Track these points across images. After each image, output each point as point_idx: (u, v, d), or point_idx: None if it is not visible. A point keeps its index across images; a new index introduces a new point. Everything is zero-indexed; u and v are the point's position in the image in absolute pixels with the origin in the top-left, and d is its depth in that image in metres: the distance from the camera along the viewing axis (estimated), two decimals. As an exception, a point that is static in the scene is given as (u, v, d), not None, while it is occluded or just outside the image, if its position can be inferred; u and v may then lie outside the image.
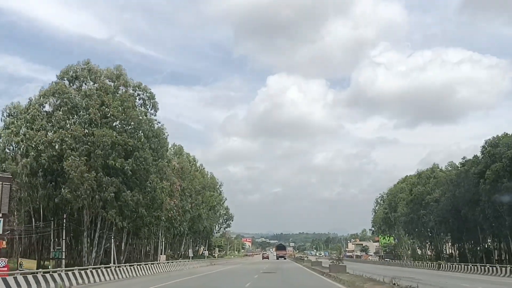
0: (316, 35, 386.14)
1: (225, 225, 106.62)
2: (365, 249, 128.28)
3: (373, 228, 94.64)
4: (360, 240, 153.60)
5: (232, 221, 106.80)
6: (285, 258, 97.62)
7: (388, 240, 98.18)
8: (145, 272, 37.86)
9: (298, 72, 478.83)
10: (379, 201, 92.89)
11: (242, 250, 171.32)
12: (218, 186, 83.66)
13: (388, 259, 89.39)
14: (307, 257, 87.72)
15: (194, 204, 68.56)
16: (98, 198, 39.34)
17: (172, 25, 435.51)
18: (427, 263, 59.45)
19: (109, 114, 40.83)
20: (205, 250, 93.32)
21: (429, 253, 77.21)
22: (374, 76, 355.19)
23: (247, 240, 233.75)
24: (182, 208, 63.43)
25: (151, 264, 42.86)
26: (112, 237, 39.97)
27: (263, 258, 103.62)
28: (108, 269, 30.95)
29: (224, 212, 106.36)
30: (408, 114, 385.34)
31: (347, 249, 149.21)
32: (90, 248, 41.95)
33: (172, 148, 73.70)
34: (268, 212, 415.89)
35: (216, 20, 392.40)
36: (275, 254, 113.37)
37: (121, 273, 32.55)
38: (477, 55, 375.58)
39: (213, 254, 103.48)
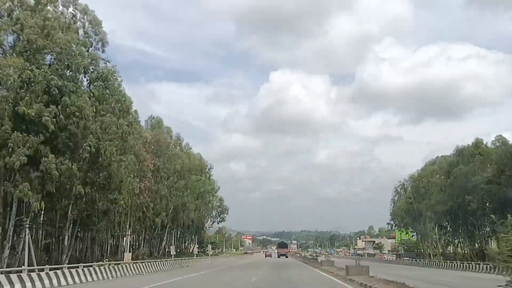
0: (320, 29, 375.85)
1: (219, 219, 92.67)
2: (379, 247, 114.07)
3: (392, 222, 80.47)
4: (369, 238, 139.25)
5: (227, 214, 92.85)
6: (287, 257, 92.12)
7: (409, 236, 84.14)
8: (76, 279, 23.82)
9: (302, 67, 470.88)
10: (399, 190, 78.74)
11: (241, 248, 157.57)
12: (207, 169, 69.21)
13: (409, 258, 75.60)
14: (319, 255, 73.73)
15: (173, 189, 54.66)
16: (2, 164, 25.48)
17: (173, 21, 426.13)
18: (468, 263, 44.53)
19: (22, 38, 26.77)
20: (195, 247, 79.62)
21: (463, 251, 63.01)
22: (378, 71, 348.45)
23: (247, 237, 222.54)
24: (157, 192, 49.53)
25: (100, 266, 28.81)
26: (27, 226, 25.86)
27: (266, 256, 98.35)
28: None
29: (218, 203, 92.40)
30: (412, 110, 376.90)
31: (356, 247, 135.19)
32: (3, 243, 28.08)
33: (148, 121, 59.78)
34: (270, 210, 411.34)
35: (218, 14, 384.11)
36: (276, 252, 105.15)
37: (32, 281, 18.73)
38: (483, 50, 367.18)
39: (206, 251, 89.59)
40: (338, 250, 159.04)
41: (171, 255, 54.80)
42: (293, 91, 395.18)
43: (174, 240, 69.08)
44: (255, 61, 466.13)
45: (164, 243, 62.54)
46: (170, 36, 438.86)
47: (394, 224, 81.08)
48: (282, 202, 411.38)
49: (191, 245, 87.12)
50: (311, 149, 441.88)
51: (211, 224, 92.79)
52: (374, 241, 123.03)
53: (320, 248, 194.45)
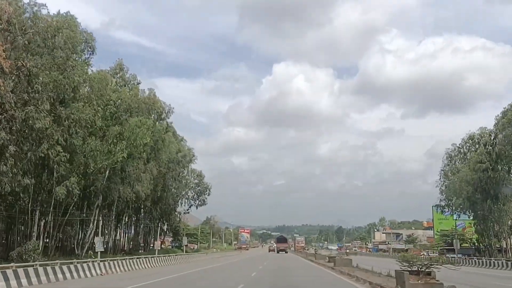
0: (325, 18, 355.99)
1: (197, 202, 67.92)
2: (411, 240, 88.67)
3: (442, 203, 55.51)
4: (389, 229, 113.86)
5: (209, 195, 68.10)
6: (286, 252, 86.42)
7: (470, 225, 59.61)
8: None
9: (305, 59, 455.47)
10: (452, 155, 54.09)
11: (234, 242, 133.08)
12: (164, 114, 43.19)
13: (468, 256, 51.41)
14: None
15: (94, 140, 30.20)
16: None
17: (174, 14, 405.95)
18: None
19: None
20: (159, 241, 55.58)
21: None
22: (383, 63, 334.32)
23: (245, 231, 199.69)
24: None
25: None
26: None
27: (270, 251, 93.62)
28: None
29: (196, 180, 67.79)
30: (416, 103, 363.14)
31: (374, 240, 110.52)
32: None
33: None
34: (271, 204, 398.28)
35: (220, 3, 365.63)
36: (274, 247, 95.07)
37: None
38: (490, 43, 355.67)
39: (182, 247, 65.34)
40: (347, 244, 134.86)
41: (97, 252, 31.24)
42: (296, 83, 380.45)
43: (109, 228, 44.38)
44: (257, 53, 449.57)
45: (89, 232, 37.84)
46: (170, 29, 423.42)
47: (449, 206, 55.81)
48: (283, 196, 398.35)
49: (160, 238, 62.72)
50: (314, 143, 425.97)
51: (187, 209, 68.08)
52: (399, 234, 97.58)
53: (326, 242, 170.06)
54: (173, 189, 57.45)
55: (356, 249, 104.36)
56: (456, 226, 72.93)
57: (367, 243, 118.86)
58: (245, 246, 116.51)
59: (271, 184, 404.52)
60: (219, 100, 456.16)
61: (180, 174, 58.93)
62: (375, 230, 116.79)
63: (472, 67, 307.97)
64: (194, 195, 67.03)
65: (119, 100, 36.28)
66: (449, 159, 54.37)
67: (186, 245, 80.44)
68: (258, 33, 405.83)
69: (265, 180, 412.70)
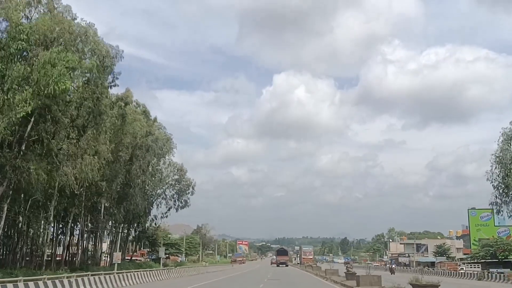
0: (325, 27, 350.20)
1: (179, 203, 53.98)
2: (444, 251, 73.97)
3: (498, 199, 41.66)
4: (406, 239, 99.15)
5: (192, 194, 54.32)
6: (287, 265, 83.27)
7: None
8: None
9: (306, 69, 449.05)
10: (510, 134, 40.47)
11: (230, 255, 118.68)
12: (108, 60, 29.14)
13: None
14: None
15: None
16: None
17: (174, 25, 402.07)
18: None
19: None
20: (119, 254, 41.91)
21: None
22: (384, 73, 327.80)
23: (243, 243, 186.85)
24: None
25: None
26: None
27: (272, 263, 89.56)
28: None
29: (176, 176, 54.07)
30: (418, 114, 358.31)
31: (391, 252, 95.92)
32: None
33: None
34: (271, 217, 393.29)
35: (220, 12, 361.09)
36: (275, 259, 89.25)
37: None
38: (492, 53, 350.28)
39: (161, 261, 51.38)
40: (354, 257, 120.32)
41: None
42: (296, 94, 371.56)
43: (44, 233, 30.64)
44: (258, 63, 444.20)
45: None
46: (170, 41, 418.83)
47: (502, 203, 41.82)
48: (283, 208, 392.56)
49: (130, 249, 48.94)
50: (314, 154, 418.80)
51: (166, 212, 54.01)
52: (421, 244, 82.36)
53: (332, 255, 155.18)
54: (143, 185, 44.05)
55: (370, 263, 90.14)
56: (498, 234, 59.29)
57: (382, 255, 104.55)
58: (240, 259, 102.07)
59: (271, 196, 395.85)
60: (219, 111, 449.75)
61: (153, 165, 45.47)
62: (390, 240, 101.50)
63: (475, 78, 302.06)
64: (174, 194, 53.30)
65: (31, 29, 22.86)
66: (503, 139, 40.75)
67: (167, 258, 66.81)
68: (258, 44, 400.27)
69: (265, 192, 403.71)
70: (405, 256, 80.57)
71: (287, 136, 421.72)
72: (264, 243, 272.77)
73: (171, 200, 53.04)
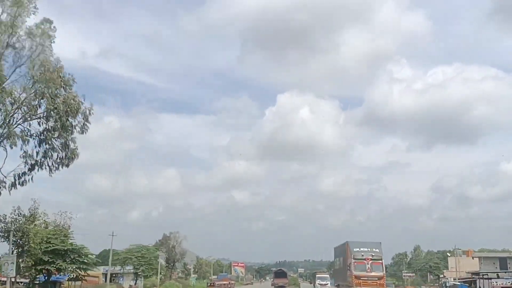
0: (330, 44, 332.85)
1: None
2: None
3: None
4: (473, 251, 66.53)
5: (84, 131, 23.78)
6: None
7: None
8: None
9: (309, 89, 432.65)
10: None
11: (215, 277, 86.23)
12: None
13: None
14: None
15: None
16: None
17: (174, 47, 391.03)
18: None
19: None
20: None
21: None
22: (390, 92, 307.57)
23: (239, 264, 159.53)
24: None
25: None
26: None
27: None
28: None
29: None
30: (424, 135, 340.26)
31: (447, 277, 63.63)
32: None
33: None
34: (272, 240, 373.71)
35: (221, 32, 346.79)
36: (273, 283, 79.83)
37: None
38: (501, 72, 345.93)
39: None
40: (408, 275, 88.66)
41: None
42: (300, 114, 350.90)
43: None
44: (260, 83, 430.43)
45: None
46: (170, 64, 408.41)
47: None
48: (285, 231, 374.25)
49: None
50: (317, 177, 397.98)
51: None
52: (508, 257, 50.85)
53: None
54: None
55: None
56: None
57: (440, 275, 72.36)
58: (226, 282, 69.24)
59: (272, 219, 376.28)
60: (220, 133, 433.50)
61: None
62: (455, 255, 66.84)
63: (482, 97, 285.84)
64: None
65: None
66: None
67: (74, 279, 35.46)
68: (261, 63, 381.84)
69: (266, 215, 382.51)
70: (484, 277, 48.43)
71: (290, 158, 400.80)
72: (264, 265, 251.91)
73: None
